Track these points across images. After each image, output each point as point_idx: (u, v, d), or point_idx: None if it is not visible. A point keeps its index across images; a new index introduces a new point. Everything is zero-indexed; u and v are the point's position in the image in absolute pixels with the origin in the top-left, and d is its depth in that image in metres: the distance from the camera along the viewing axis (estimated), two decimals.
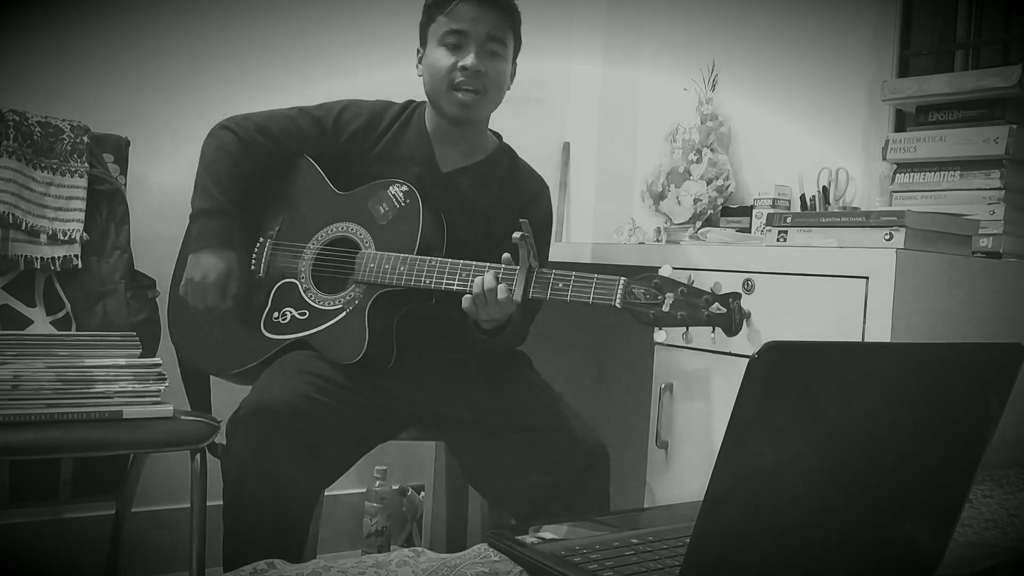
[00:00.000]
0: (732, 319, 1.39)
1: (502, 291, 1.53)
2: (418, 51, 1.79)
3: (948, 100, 1.85)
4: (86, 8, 2.16)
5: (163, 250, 1.92)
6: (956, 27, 2.06)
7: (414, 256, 1.65)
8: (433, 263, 1.63)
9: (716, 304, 1.39)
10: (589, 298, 1.49)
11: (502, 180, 1.82)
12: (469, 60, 1.68)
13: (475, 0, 1.69)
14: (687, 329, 1.42)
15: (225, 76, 2.31)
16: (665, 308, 1.42)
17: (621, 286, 1.46)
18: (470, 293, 1.56)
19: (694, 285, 1.43)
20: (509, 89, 1.81)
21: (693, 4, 2.61)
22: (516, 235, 1.50)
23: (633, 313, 1.45)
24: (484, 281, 1.54)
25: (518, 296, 1.53)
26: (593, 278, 1.49)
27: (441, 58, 1.70)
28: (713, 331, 1.41)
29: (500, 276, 1.55)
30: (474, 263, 1.59)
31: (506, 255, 1.56)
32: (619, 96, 2.80)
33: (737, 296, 1.40)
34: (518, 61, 1.82)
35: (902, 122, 2.06)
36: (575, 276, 1.51)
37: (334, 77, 2.40)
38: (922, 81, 1.88)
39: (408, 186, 1.71)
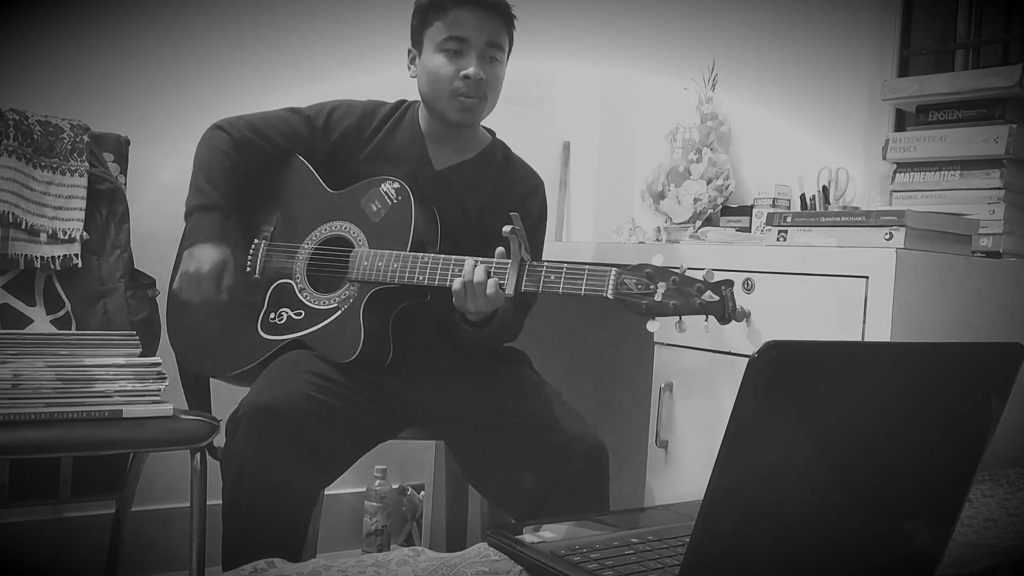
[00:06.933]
0: (725, 307, 1.38)
1: (492, 285, 1.52)
2: (410, 51, 1.79)
3: (948, 100, 1.85)
4: (86, 8, 2.16)
5: (163, 249, 1.92)
6: (956, 27, 2.06)
7: (407, 253, 1.65)
8: (426, 259, 1.62)
9: (708, 292, 1.38)
10: (581, 290, 1.47)
11: (496, 176, 1.82)
12: (471, 69, 1.68)
13: (475, 7, 1.69)
14: (680, 319, 1.41)
15: (225, 76, 2.31)
16: (657, 298, 1.40)
17: (613, 277, 1.45)
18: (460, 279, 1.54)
19: (686, 274, 1.42)
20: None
21: (693, 4, 2.61)
22: (507, 228, 1.50)
23: (625, 304, 1.43)
24: (475, 273, 1.53)
25: (510, 290, 1.52)
26: (584, 269, 1.48)
27: (441, 65, 1.70)
28: (706, 320, 1.40)
29: (492, 270, 1.54)
30: (466, 258, 1.58)
31: (499, 249, 1.55)
32: (619, 96, 2.80)
33: (729, 284, 1.39)
34: (509, 60, 1.81)
35: (902, 122, 2.06)
36: (566, 268, 1.50)
37: (335, 77, 2.40)
38: (922, 81, 1.88)
39: (400, 183, 1.70)
